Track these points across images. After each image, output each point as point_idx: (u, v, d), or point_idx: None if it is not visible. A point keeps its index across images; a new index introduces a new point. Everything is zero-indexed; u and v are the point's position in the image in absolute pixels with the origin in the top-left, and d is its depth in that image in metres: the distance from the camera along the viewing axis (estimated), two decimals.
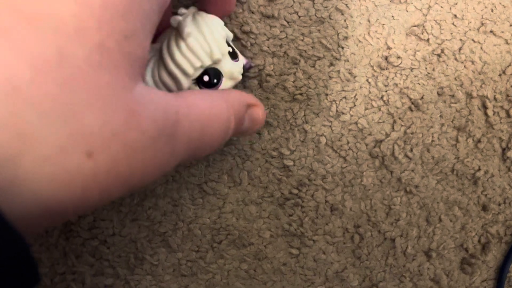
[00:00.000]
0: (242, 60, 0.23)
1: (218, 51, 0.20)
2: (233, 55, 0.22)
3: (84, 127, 0.13)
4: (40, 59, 0.12)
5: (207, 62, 0.20)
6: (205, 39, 0.20)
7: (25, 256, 0.12)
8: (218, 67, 0.21)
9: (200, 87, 0.21)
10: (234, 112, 0.19)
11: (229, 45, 0.22)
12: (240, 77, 0.22)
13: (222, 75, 0.21)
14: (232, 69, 0.21)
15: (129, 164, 0.14)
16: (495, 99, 0.28)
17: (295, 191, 0.27)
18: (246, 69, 0.25)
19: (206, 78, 0.21)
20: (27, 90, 0.12)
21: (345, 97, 0.27)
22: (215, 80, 0.21)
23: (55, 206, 0.13)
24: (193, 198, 0.27)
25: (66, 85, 0.12)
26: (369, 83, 0.27)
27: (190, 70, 0.20)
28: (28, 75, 0.12)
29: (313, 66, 0.27)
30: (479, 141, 0.28)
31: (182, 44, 0.20)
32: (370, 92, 0.27)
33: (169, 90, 0.21)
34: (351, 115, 0.27)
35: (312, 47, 0.27)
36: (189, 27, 0.20)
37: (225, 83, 0.22)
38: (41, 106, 0.12)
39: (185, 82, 0.20)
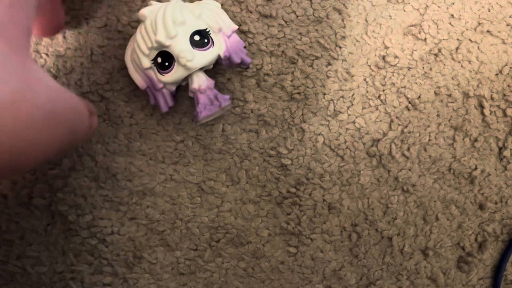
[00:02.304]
0: (212, 52, 0.23)
1: (162, 34, 0.22)
2: (200, 44, 0.23)
3: None
4: None
5: (153, 44, 0.22)
6: (155, 22, 0.22)
7: None
8: (170, 50, 0.22)
9: (158, 70, 0.23)
10: (88, 110, 0.20)
11: (202, 34, 0.23)
12: (196, 67, 0.23)
13: (174, 60, 0.23)
14: (180, 54, 0.22)
15: (18, 137, 0.14)
16: (491, 98, 0.28)
17: (293, 190, 0.27)
18: (245, 64, 0.26)
19: (159, 59, 0.23)
20: None
21: (342, 97, 0.27)
22: (166, 63, 0.23)
23: None
24: (192, 197, 0.27)
25: None
26: (367, 82, 0.27)
27: (144, 49, 0.23)
28: None
29: (311, 66, 0.27)
30: (476, 140, 0.28)
31: (141, 26, 0.23)
32: (367, 92, 0.27)
33: (139, 69, 0.24)
34: (349, 114, 0.27)
35: (310, 47, 0.27)
36: (146, 11, 0.22)
37: (177, 70, 0.23)
38: None
39: (145, 61, 0.23)
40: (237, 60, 0.25)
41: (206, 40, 0.23)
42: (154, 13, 0.22)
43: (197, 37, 0.23)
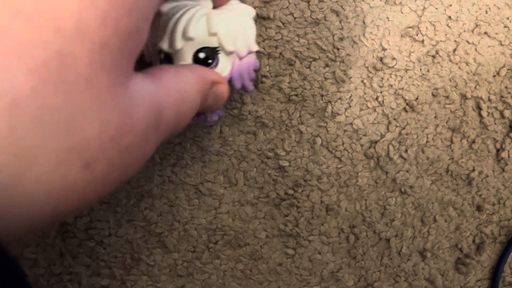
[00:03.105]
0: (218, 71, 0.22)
1: (166, 43, 0.21)
2: (202, 63, 0.21)
3: (83, 139, 0.12)
4: (40, 64, 0.11)
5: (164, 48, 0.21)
6: (166, 26, 0.21)
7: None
8: (175, 61, 0.21)
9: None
10: (201, 89, 0.19)
11: (209, 52, 0.21)
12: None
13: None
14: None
15: (123, 166, 0.14)
16: (489, 100, 0.28)
17: (291, 192, 0.27)
18: (246, 90, 0.25)
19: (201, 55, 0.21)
20: (26, 103, 0.11)
21: (340, 98, 0.27)
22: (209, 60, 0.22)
23: (52, 218, 0.13)
24: (189, 199, 0.27)
25: (67, 93, 0.12)
26: (364, 84, 0.27)
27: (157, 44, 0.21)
28: (27, 86, 0.11)
29: (309, 67, 0.27)
30: (473, 141, 0.28)
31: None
32: (365, 93, 0.28)
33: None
34: (346, 116, 0.27)
35: (307, 48, 0.27)
36: (166, 8, 0.21)
37: None
38: (41, 119, 0.11)
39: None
40: (237, 85, 0.23)
41: (210, 61, 0.22)
42: (171, 14, 0.21)
43: (202, 54, 0.21)
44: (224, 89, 0.21)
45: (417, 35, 0.28)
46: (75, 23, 0.12)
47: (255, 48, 0.23)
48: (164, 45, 0.21)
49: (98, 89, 0.13)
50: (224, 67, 0.22)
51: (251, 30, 0.22)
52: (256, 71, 0.24)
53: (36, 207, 0.12)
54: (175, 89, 0.17)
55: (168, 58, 0.22)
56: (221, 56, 0.22)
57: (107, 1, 0.12)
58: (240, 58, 0.22)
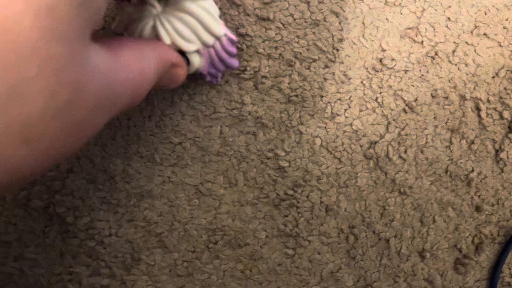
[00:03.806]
0: (189, 71, 0.22)
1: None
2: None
3: (24, 117, 0.11)
4: None
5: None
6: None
7: None
8: None
9: None
10: (159, 69, 0.18)
11: None
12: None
13: None
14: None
15: (67, 143, 0.13)
16: (488, 101, 0.28)
17: (291, 192, 0.28)
18: (233, 68, 0.25)
19: None
20: None
21: (340, 99, 0.27)
22: None
23: None
24: (189, 199, 0.27)
25: (9, 63, 0.11)
26: (364, 85, 0.28)
27: None
28: None
29: (308, 68, 0.27)
30: (472, 142, 0.28)
31: None
32: (364, 94, 0.28)
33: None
34: (346, 117, 0.28)
35: (307, 49, 0.27)
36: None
37: None
38: None
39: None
40: (219, 72, 0.24)
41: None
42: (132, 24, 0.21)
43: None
44: (181, 72, 0.21)
45: (416, 36, 0.28)
46: None
47: (220, 31, 0.22)
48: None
49: (47, 59, 0.11)
50: (197, 63, 0.22)
51: (208, 16, 0.21)
52: (235, 43, 0.23)
53: None
54: (133, 68, 0.16)
55: None
56: (190, 55, 0.22)
57: None
58: (211, 47, 0.22)
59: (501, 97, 0.28)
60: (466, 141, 0.28)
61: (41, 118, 0.12)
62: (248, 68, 0.27)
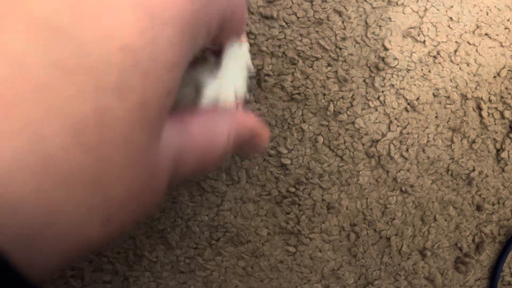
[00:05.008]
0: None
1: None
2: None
3: (108, 198, 0.12)
4: (76, 121, 0.11)
5: None
6: None
7: None
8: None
9: None
10: (234, 139, 0.18)
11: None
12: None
13: None
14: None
15: (138, 216, 0.14)
16: (489, 100, 0.28)
17: (292, 190, 0.28)
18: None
19: None
20: (57, 164, 0.11)
21: (342, 97, 0.28)
22: None
23: (60, 266, 0.13)
24: (192, 196, 0.27)
25: (101, 153, 0.11)
26: (366, 83, 0.28)
27: None
28: (60, 146, 0.10)
29: (311, 67, 0.27)
30: (473, 142, 0.29)
31: None
32: (367, 93, 0.28)
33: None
34: (348, 115, 0.28)
35: (310, 48, 0.27)
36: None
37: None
38: (69, 181, 0.11)
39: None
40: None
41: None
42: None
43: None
44: (263, 140, 0.20)
45: (418, 35, 0.28)
46: (116, 81, 0.11)
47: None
48: None
49: (133, 149, 0.12)
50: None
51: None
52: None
53: (50, 260, 0.12)
54: (200, 140, 0.16)
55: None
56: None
57: (150, 58, 0.12)
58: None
59: (502, 97, 0.29)
60: (468, 140, 0.29)
61: (121, 201, 0.12)
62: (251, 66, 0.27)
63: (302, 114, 0.28)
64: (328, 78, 0.27)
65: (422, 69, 0.28)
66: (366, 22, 0.28)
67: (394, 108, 0.28)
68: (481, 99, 0.28)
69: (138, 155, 0.12)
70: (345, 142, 0.28)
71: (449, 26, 0.28)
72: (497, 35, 0.28)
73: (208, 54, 0.19)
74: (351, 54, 0.27)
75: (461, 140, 0.28)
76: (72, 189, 0.11)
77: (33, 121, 0.10)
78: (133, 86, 0.11)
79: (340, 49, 0.27)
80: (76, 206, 0.11)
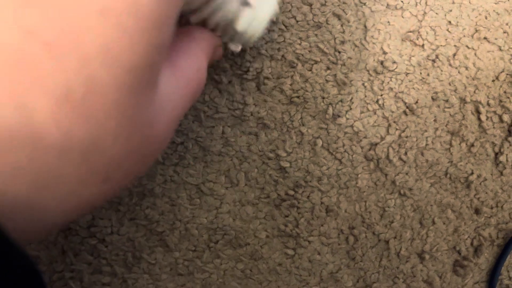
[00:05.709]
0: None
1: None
2: None
3: (105, 159, 0.12)
4: (62, 92, 0.10)
5: None
6: None
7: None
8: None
9: None
10: (208, 59, 0.19)
11: None
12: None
13: None
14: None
15: (138, 171, 0.14)
16: (488, 104, 0.29)
17: (291, 193, 0.28)
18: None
19: None
20: (49, 135, 0.10)
21: (341, 101, 0.28)
22: None
23: (62, 225, 0.13)
24: (191, 198, 0.28)
25: (93, 121, 0.11)
26: (365, 87, 0.28)
27: None
28: (51, 118, 0.10)
29: (310, 70, 0.27)
30: (472, 145, 0.29)
31: None
32: (365, 96, 0.28)
33: None
34: (347, 118, 0.28)
35: (309, 51, 0.27)
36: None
37: None
38: (62, 150, 0.11)
39: None
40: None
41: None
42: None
43: None
44: (221, 50, 0.21)
45: (417, 39, 0.28)
46: (100, 47, 0.11)
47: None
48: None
49: (125, 110, 0.12)
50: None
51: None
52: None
53: (52, 220, 0.12)
54: (192, 79, 0.16)
55: None
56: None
57: (135, 22, 0.11)
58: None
59: (501, 101, 0.29)
60: (466, 144, 0.29)
61: (119, 158, 0.13)
62: (250, 69, 0.27)
63: (301, 117, 0.28)
64: (327, 81, 0.28)
65: (421, 73, 0.28)
66: (365, 26, 0.28)
67: (393, 112, 0.28)
68: (480, 102, 0.28)
69: (131, 115, 0.12)
70: (344, 145, 0.28)
71: (448, 30, 0.28)
72: (495, 39, 0.28)
73: None
74: (350, 58, 0.28)
75: (459, 144, 0.29)
76: (66, 155, 0.11)
77: (17, 95, 0.10)
78: (118, 50, 0.11)
79: (339, 52, 0.27)
80: (75, 170, 0.11)
